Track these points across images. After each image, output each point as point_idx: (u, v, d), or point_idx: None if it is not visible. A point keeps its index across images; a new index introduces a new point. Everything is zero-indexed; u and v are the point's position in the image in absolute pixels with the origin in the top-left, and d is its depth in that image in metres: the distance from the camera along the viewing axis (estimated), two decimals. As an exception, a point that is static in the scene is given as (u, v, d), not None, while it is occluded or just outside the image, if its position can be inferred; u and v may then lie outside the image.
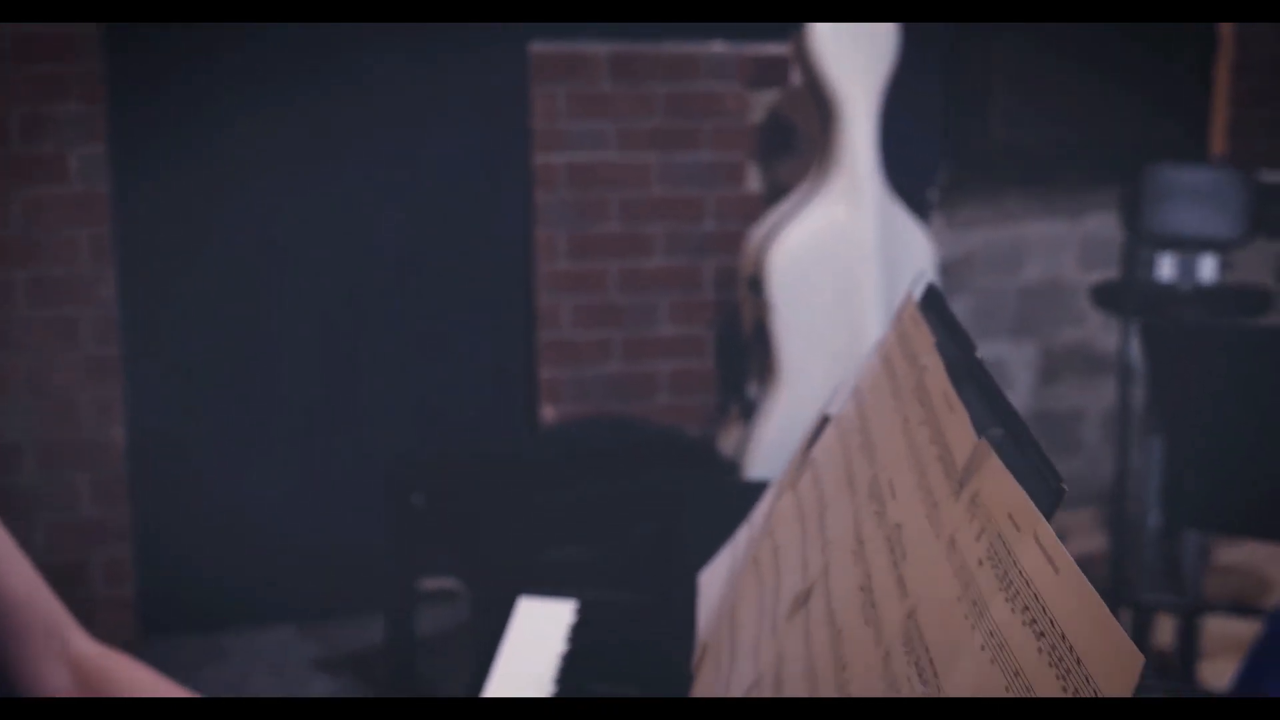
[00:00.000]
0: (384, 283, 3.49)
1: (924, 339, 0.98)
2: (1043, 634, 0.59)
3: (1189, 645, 3.28)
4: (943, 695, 0.64)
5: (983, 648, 0.63)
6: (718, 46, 3.58)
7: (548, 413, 3.59)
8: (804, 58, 3.31)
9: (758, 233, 3.43)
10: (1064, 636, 0.58)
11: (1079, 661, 0.56)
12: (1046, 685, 0.57)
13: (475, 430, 3.57)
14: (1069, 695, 0.55)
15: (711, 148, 3.62)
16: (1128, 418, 3.42)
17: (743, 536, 1.36)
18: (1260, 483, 2.11)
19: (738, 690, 1.02)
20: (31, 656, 1.08)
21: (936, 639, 0.68)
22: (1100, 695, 0.54)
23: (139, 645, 3.24)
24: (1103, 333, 4.11)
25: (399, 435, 3.50)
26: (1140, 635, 3.29)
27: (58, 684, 1.11)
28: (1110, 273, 3.58)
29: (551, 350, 3.57)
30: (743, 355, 3.65)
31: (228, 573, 3.41)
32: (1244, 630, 2.88)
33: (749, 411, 3.45)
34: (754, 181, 3.69)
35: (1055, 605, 0.60)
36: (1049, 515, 0.64)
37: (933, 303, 1.08)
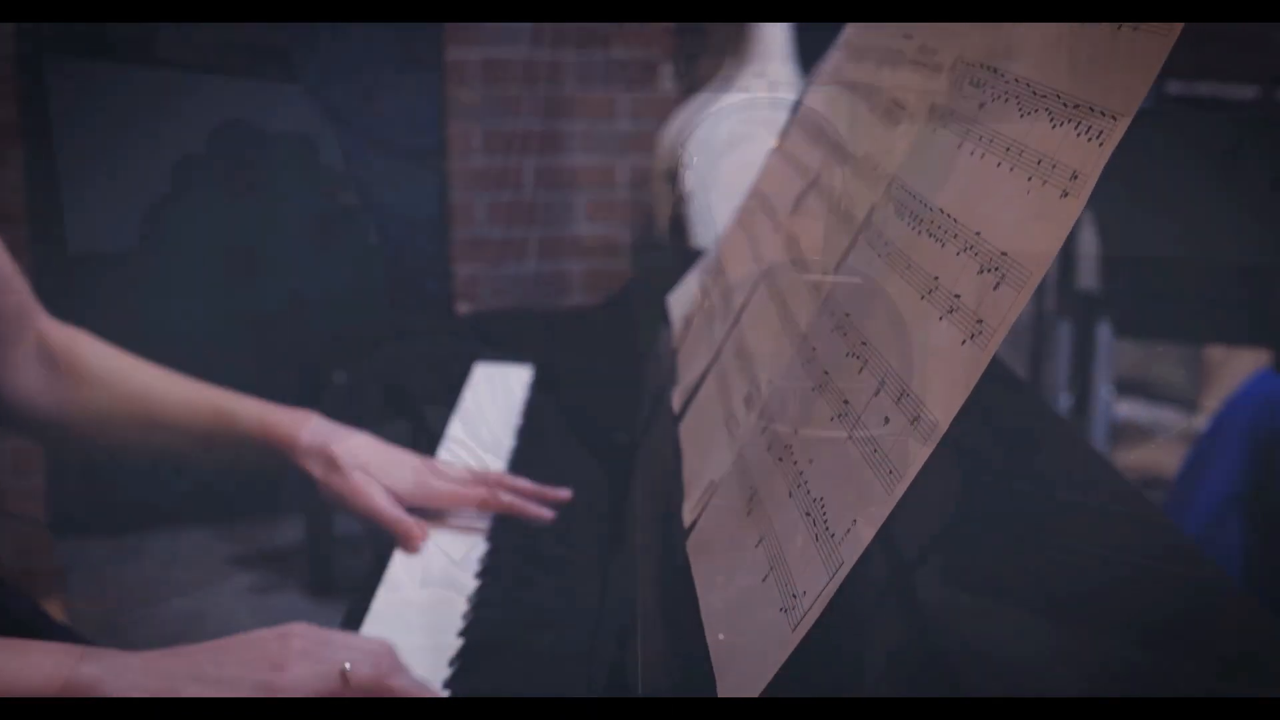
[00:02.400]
0: (292, 173, 3.43)
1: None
2: None
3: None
4: (1008, 73, 0.65)
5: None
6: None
7: (462, 311, 3.56)
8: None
9: (673, 125, 3.44)
10: None
11: None
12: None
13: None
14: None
15: (626, 46, 3.62)
16: (1041, 311, 3.48)
17: (713, 250, 1.36)
18: (1183, 287, 2.18)
19: (736, 306, 1.02)
20: (5, 338, 1.10)
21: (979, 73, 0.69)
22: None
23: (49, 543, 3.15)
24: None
25: (311, 332, 3.45)
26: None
27: (27, 365, 1.13)
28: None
29: (466, 248, 3.55)
30: (658, 255, 3.66)
31: (140, 475, 3.32)
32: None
33: (667, 305, 3.45)
34: (668, 82, 3.70)
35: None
36: None
37: None
